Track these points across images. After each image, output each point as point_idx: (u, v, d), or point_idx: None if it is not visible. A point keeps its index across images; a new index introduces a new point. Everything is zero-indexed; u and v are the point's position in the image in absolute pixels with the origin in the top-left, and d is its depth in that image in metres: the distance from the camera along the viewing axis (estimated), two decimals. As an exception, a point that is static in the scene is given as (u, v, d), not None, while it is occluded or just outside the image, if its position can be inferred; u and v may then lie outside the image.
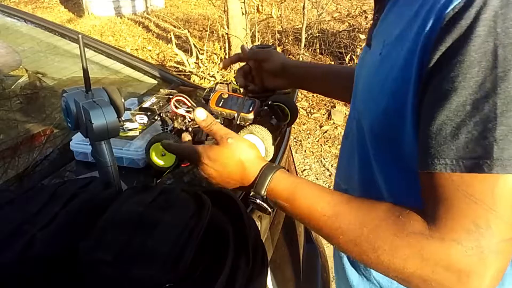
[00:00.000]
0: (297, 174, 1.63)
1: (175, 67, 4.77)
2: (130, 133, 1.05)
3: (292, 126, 3.69)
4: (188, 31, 5.00)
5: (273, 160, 1.07)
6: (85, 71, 0.81)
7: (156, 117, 1.07)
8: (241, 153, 0.79)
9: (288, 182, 0.75)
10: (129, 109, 1.14)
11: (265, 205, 0.77)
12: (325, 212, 0.69)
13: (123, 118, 1.09)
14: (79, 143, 1.03)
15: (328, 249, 1.94)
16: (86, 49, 1.71)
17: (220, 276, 0.67)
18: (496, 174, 0.55)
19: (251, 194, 0.77)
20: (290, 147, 1.42)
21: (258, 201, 0.77)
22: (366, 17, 5.63)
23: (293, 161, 1.60)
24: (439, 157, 0.59)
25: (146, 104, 1.10)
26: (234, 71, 4.44)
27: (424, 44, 0.61)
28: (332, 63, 4.73)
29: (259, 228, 0.98)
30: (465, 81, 0.56)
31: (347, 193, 0.72)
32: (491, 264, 0.58)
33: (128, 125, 1.07)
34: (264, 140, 0.97)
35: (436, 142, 0.59)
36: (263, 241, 1.01)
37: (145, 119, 1.07)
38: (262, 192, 0.76)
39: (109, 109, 0.79)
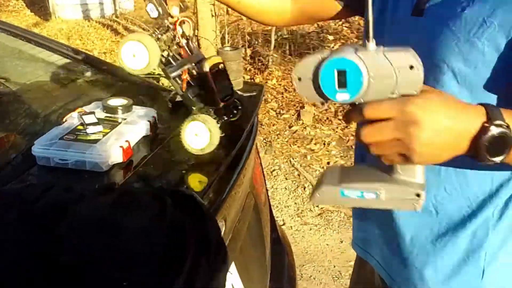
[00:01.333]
0: (264, 176, 1.65)
1: (144, 70, 4.73)
2: (93, 137, 1.06)
3: (262, 127, 3.71)
4: (157, 34, 4.97)
5: (238, 162, 1.09)
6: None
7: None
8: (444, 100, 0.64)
9: None
10: (93, 113, 1.14)
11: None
12: None
13: (86, 122, 1.09)
14: (41, 148, 1.03)
15: (294, 247, 1.97)
16: (52, 53, 1.70)
17: (180, 274, 0.68)
18: None
19: (495, 123, 0.61)
20: (256, 146, 1.44)
21: (503, 129, 0.61)
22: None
23: (260, 163, 1.62)
24: None
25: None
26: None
27: None
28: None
29: (223, 229, 0.99)
30: None
31: None
32: None
33: (91, 129, 1.07)
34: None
35: None
36: (228, 241, 1.03)
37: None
38: (500, 121, 0.61)
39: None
